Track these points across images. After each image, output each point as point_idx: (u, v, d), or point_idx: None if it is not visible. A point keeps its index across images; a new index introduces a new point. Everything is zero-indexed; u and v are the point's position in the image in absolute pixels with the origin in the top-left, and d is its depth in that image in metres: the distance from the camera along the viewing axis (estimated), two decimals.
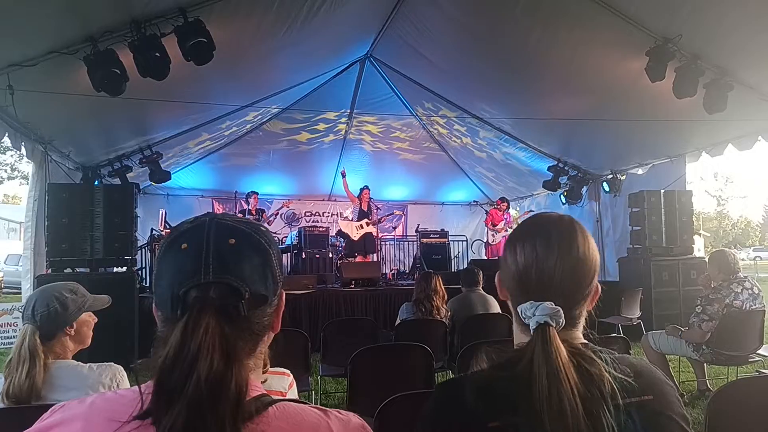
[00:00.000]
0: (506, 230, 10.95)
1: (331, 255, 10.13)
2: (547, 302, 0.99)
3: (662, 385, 1.01)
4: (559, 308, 0.99)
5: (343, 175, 10.37)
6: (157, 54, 4.44)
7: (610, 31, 5.37)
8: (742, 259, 32.20)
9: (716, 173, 55.08)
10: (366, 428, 0.87)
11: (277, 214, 10.61)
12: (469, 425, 0.95)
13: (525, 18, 5.65)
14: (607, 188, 9.66)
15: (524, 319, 1.02)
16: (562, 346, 0.95)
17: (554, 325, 0.97)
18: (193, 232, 0.82)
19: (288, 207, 10.89)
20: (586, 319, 1.10)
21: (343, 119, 10.13)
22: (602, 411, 0.90)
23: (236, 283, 0.78)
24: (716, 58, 5.29)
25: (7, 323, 5.84)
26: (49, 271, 6.07)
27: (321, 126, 10.44)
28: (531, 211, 12.02)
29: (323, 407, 0.85)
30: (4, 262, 20.13)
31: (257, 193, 10.18)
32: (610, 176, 9.60)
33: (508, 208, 11.31)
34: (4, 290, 17.97)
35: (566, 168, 9.92)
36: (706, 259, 5.42)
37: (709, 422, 2.03)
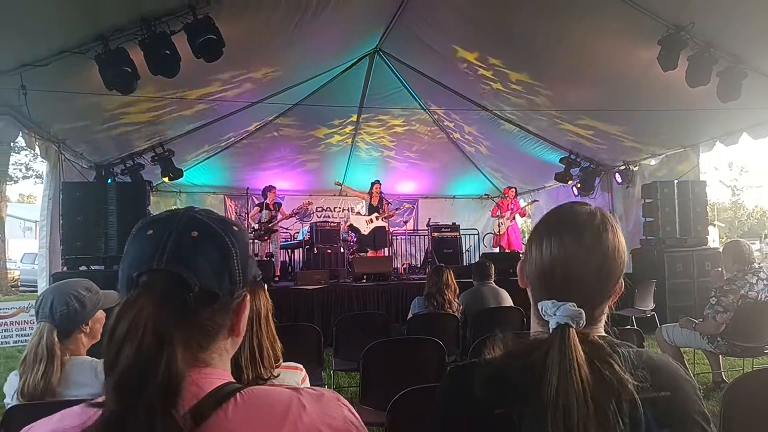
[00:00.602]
0: (511, 219, 10.93)
1: (342, 250, 10.14)
2: (570, 303, 0.97)
3: (681, 382, 0.99)
4: (581, 310, 0.96)
5: (339, 185, 10.69)
6: (168, 52, 4.47)
7: (620, 20, 5.30)
8: (757, 250, 31.83)
9: (731, 163, 54.20)
10: (340, 399, 0.86)
11: (298, 212, 10.58)
12: (477, 413, 0.95)
13: (534, 7, 5.62)
14: (619, 179, 9.59)
15: (544, 315, 1.00)
16: (579, 348, 0.93)
17: (574, 326, 0.95)
18: (165, 220, 0.83)
19: (307, 206, 10.85)
20: (607, 315, 1.08)
21: (355, 115, 10.16)
22: (612, 411, 0.89)
23: (186, 275, 0.76)
24: (730, 46, 5.21)
25: (24, 321, 5.90)
26: (65, 268, 6.15)
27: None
28: (536, 200, 11.95)
29: (296, 387, 0.85)
30: (21, 261, 20.41)
31: (275, 188, 10.15)
32: (623, 167, 9.52)
33: (516, 196, 11.24)
34: (20, 288, 18.22)
35: (578, 159, 9.85)
36: (721, 250, 5.37)
37: (724, 414, 2.02)
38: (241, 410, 0.75)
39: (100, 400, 0.70)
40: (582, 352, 0.92)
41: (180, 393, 0.69)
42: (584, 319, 0.96)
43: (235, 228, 0.86)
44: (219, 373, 0.82)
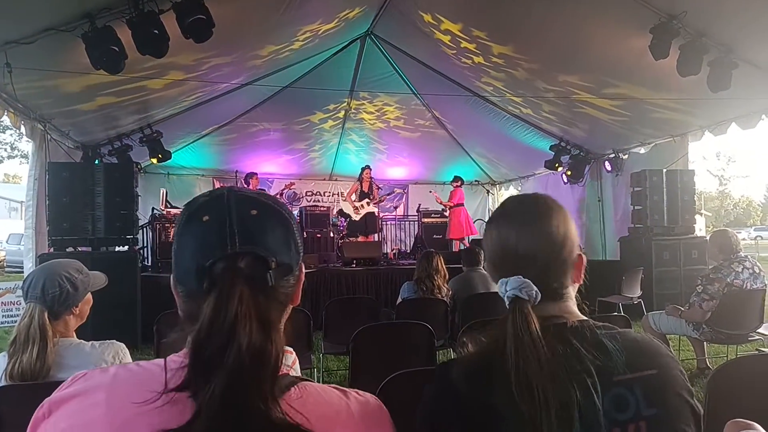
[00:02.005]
0: (447, 209, 11.02)
1: (332, 234, 10.13)
2: (516, 276, 1.01)
3: (665, 359, 1.01)
4: (528, 281, 1.00)
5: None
6: (156, 31, 4.39)
7: (613, 7, 5.29)
8: (743, 239, 32.24)
9: (719, 152, 54.73)
10: (382, 409, 0.87)
11: (281, 194, 10.60)
12: (464, 408, 0.96)
13: None
14: (609, 167, 9.62)
15: (502, 296, 1.04)
16: (532, 319, 0.96)
17: (526, 298, 0.99)
18: (214, 204, 0.82)
19: (291, 188, 10.89)
20: (579, 293, 1.11)
21: (345, 100, 10.09)
22: (574, 384, 0.90)
23: (263, 253, 0.77)
24: (721, 36, 5.22)
25: (11, 302, 5.86)
26: (51, 250, 6.09)
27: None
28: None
29: (342, 387, 0.85)
30: (6, 241, 20.21)
31: (257, 174, 10.17)
32: (612, 155, 9.56)
33: (457, 185, 10.97)
34: (6, 269, 18.07)
35: (568, 147, 9.87)
36: (707, 239, 5.42)
37: (708, 400, 2.04)
38: (296, 405, 0.75)
39: (176, 382, 0.69)
40: (536, 325, 0.95)
41: (279, 373, 0.72)
42: (535, 290, 0.99)
43: (280, 201, 0.90)
44: None
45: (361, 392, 0.87)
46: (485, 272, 5.11)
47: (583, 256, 1.10)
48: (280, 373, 0.77)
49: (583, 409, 0.89)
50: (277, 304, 0.81)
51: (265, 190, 10.62)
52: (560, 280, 1.07)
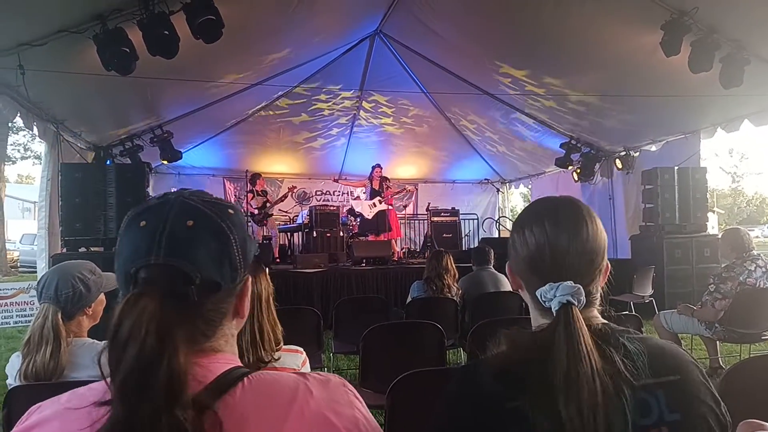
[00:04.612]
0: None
1: (342, 234, 10.15)
2: (567, 281, 0.98)
3: (689, 366, 1.00)
4: (579, 286, 0.98)
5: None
6: (166, 32, 4.41)
7: (624, 3, 5.26)
8: (756, 237, 31.93)
9: (731, 149, 54.06)
10: (347, 385, 0.85)
11: (285, 198, 10.63)
12: (487, 407, 0.94)
13: None
14: (619, 165, 9.54)
15: (544, 302, 1.01)
16: (584, 326, 0.94)
17: (576, 303, 0.97)
18: (156, 210, 0.79)
19: (294, 191, 10.95)
20: (601, 296, 1.09)
21: (354, 98, 10.10)
22: (620, 392, 0.89)
23: (186, 268, 0.75)
24: (733, 32, 5.17)
25: (24, 302, 5.92)
26: (64, 250, 6.15)
27: (323, 99, 10.32)
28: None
29: (302, 371, 0.84)
30: (20, 242, 20.44)
31: (261, 175, 10.34)
32: (623, 153, 9.48)
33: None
34: (20, 269, 18.26)
35: (579, 145, 9.80)
36: (720, 237, 5.38)
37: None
38: (248, 395, 0.74)
39: (108, 398, 0.69)
40: (588, 331, 0.93)
41: (183, 390, 0.68)
42: (584, 296, 0.98)
43: (230, 211, 0.84)
44: (227, 357, 0.81)
45: (321, 373, 0.86)
46: (495, 271, 5.11)
47: (609, 263, 1.09)
48: (226, 368, 0.77)
49: (618, 417, 0.88)
50: (201, 321, 0.79)
51: (268, 192, 10.68)
52: (593, 288, 1.06)
